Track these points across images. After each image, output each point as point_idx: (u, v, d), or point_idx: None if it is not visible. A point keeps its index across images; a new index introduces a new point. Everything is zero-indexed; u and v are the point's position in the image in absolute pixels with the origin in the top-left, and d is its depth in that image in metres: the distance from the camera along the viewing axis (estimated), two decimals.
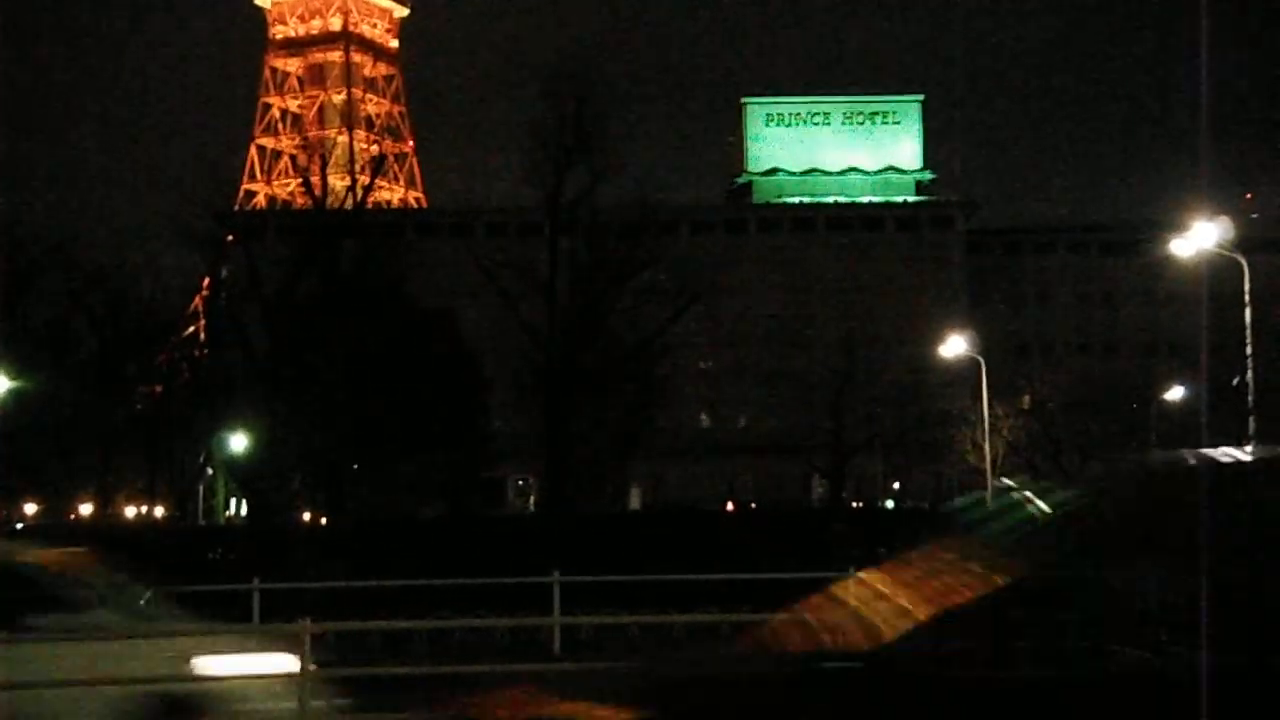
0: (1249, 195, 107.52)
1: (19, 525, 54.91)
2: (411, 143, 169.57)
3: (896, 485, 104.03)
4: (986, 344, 66.21)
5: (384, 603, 26.06)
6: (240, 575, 27.13)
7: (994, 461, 61.48)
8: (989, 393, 59.75)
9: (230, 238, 66.76)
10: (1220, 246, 39.58)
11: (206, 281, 70.11)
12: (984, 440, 61.28)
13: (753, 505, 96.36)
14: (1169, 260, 55.72)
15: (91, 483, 68.25)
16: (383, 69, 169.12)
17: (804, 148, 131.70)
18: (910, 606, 5.82)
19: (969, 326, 72.89)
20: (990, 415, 61.49)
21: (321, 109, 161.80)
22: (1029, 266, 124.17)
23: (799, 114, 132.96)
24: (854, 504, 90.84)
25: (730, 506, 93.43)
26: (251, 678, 12.80)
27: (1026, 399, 79.27)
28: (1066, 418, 75.04)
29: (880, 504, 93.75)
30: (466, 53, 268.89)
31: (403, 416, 53.91)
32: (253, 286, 56.82)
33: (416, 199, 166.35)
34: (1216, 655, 5.39)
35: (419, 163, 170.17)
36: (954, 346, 62.22)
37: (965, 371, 73.35)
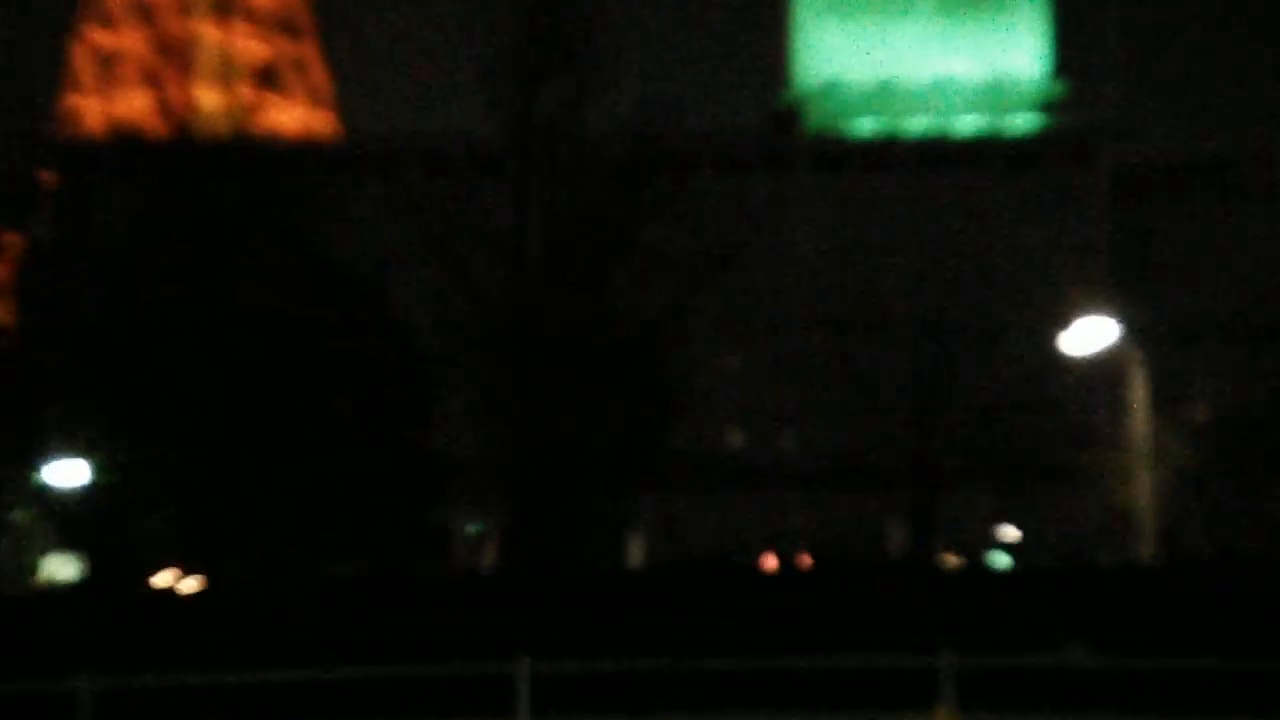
0: None
1: None
2: (316, 43, 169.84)
3: (1010, 532, 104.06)
4: (1143, 330, 66.01)
5: (278, 702, 25.86)
6: (69, 665, 26.89)
7: (1155, 499, 61.32)
8: (1147, 400, 59.57)
9: (50, 177, 66.65)
10: None
11: (15, 239, 70.02)
12: (1138, 468, 61.09)
13: (804, 558, 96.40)
14: None
15: None
16: None
17: (878, 50, 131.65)
18: None
19: (1116, 304, 72.63)
20: (1148, 432, 61.32)
21: None
22: (1204, 219, 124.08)
23: (870, 0, 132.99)
24: (949, 557, 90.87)
25: (771, 561, 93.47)
26: None
27: (1203, 409, 79.16)
28: (1266, 435, 74.67)
29: (986, 558, 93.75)
30: None
31: (307, 432, 53.88)
32: (84, 246, 56.75)
33: (325, 123, 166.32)
34: None
35: (327, 73, 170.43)
36: (1093, 333, 62.02)
37: (1110, 369, 72.95)
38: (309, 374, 55.03)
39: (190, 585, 52.41)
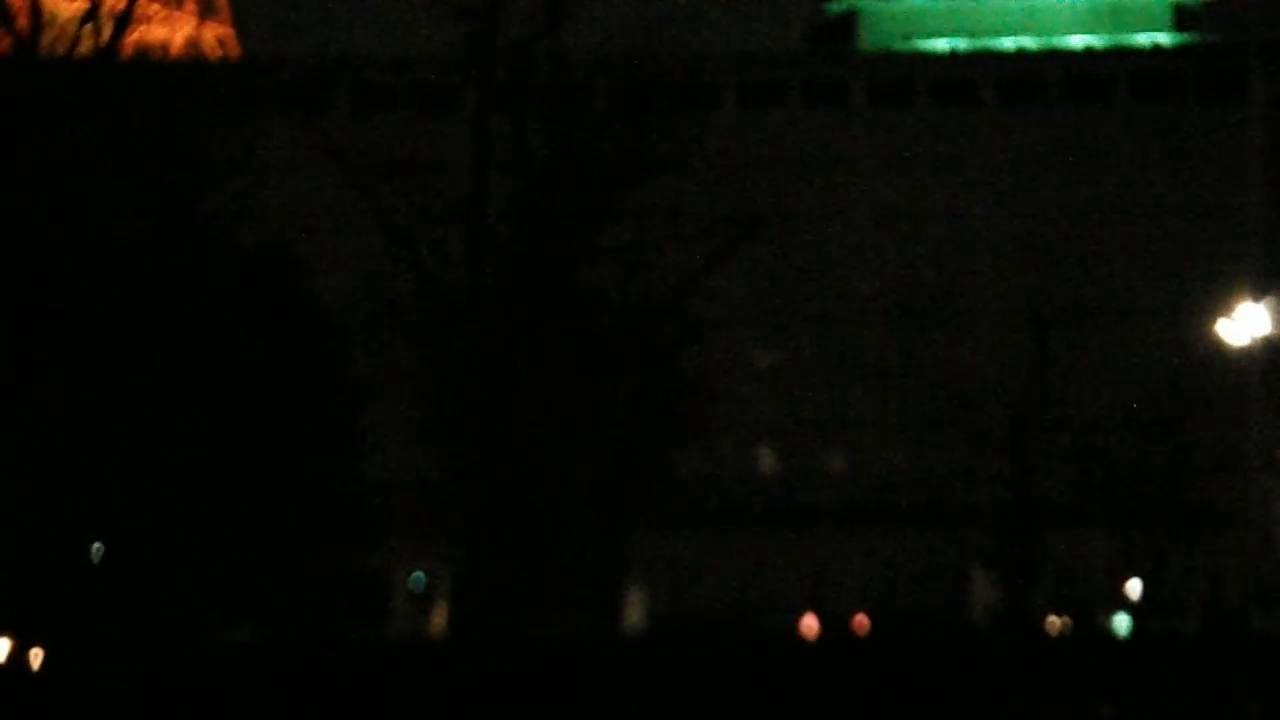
0: None
1: None
2: None
3: (1135, 587, 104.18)
4: None
5: None
6: None
7: None
8: None
9: None
10: None
11: None
12: None
13: (859, 620, 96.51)
14: None
15: None
16: None
17: None
18: None
19: (1276, 284, 72.51)
20: None
21: None
22: None
23: None
24: (1053, 620, 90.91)
25: (813, 623, 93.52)
26: None
27: None
28: None
29: (1103, 622, 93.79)
30: None
31: (192, 453, 53.94)
32: None
33: (221, 41, 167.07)
34: None
35: None
36: (1247, 323, 62.03)
37: (1268, 371, 72.88)
38: (195, 376, 54.99)
39: (34, 658, 52.35)
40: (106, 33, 62.01)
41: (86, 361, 53.49)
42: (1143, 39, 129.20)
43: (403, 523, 71.57)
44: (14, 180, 56.31)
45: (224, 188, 64.47)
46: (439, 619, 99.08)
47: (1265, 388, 79.21)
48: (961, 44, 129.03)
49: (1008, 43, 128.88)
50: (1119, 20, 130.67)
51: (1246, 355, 69.59)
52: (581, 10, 58.41)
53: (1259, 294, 64.42)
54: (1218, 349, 69.57)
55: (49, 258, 54.14)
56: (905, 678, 34.96)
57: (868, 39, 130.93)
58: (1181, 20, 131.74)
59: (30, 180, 56.13)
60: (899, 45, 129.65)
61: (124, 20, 63.07)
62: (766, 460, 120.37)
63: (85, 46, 62.14)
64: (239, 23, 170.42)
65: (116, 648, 50.65)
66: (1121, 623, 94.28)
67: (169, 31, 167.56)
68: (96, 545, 56.67)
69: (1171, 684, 33.62)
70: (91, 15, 62.70)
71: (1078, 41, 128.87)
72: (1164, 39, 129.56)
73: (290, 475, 59.88)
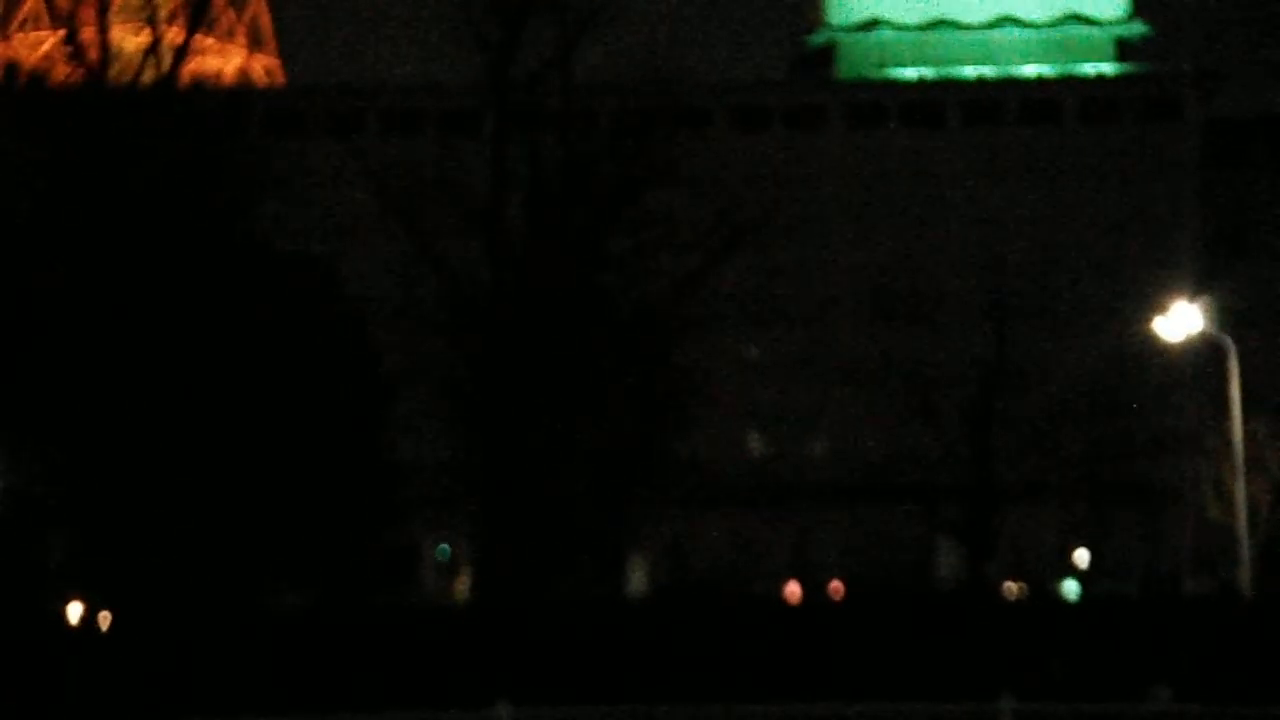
0: None
1: None
2: None
3: (1083, 556, 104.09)
4: (1238, 316, 66.02)
5: None
6: None
7: (1253, 515, 61.28)
8: (1243, 398, 59.54)
9: None
10: None
11: None
12: (1235, 479, 61.07)
13: (835, 586, 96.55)
14: None
15: None
16: None
17: None
18: None
19: (1207, 286, 72.59)
20: (1245, 437, 61.28)
21: None
22: None
23: None
24: (1010, 586, 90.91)
25: (795, 589, 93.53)
26: None
27: None
28: None
29: (1054, 588, 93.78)
30: None
31: (244, 439, 53.92)
32: None
33: (267, 70, 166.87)
34: None
35: (270, 10, 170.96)
36: (1181, 321, 62.03)
37: (1200, 363, 72.94)
38: (246, 369, 55.00)
39: (104, 619, 52.39)
40: (166, 64, 62.10)
41: (156, 356, 53.56)
42: (1089, 68, 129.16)
43: (430, 500, 71.47)
44: (86, 197, 56.35)
45: (269, 200, 64.52)
46: (461, 586, 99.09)
47: (1197, 379, 79.12)
48: (928, 72, 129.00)
49: (969, 71, 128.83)
50: (1068, 52, 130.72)
51: (1181, 350, 69.61)
52: (589, 42, 58.54)
53: (1192, 296, 64.55)
54: (1156, 345, 69.69)
55: (121, 263, 54.21)
56: (874, 633, 35.04)
57: (844, 68, 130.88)
58: (1123, 52, 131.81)
59: (100, 196, 56.20)
60: (872, 74, 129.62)
61: (182, 52, 63.09)
62: (754, 444, 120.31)
63: (147, 76, 62.19)
64: (284, 54, 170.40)
65: (178, 612, 50.73)
66: (1070, 588, 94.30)
67: (222, 62, 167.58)
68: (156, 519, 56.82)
69: (1113, 640, 33.70)
70: (153, 48, 62.75)
71: (1031, 71, 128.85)
72: (1107, 69, 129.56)
73: (330, 459, 59.85)
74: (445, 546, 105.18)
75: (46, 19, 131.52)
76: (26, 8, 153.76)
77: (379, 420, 67.26)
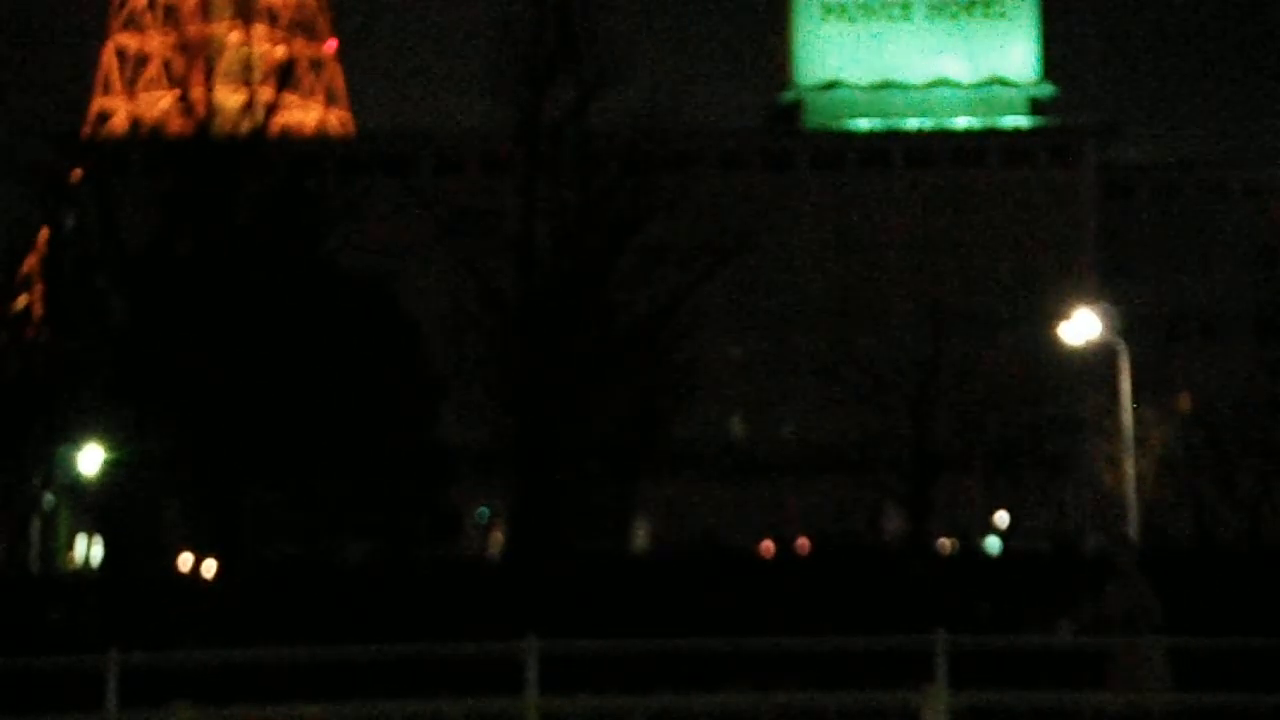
0: None
1: None
2: (332, 44, 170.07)
3: (1003, 518, 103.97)
4: (1128, 322, 66.01)
5: (294, 680, 25.86)
6: (93, 644, 26.91)
7: (1140, 485, 61.28)
8: (1132, 390, 59.57)
9: (78, 173, 66.67)
10: None
11: (45, 235, 70.00)
12: (1125, 456, 61.10)
13: (801, 543, 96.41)
14: None
15: None
16: None
17: (875, 52, 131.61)
18: None
19: (1103, 298, 72.59)
20: (1134, 421, 61.30)
21: None
22: (1187, 216, 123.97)
23: (868, 4, 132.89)
24: (943, 542, 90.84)
25: (769, 546, 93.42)
26: None
27: (1185, 399, 79.21)
28: (1241, 424, 74.91)
29: (980, 544, 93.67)
30: None
31: (320, 422, 53.88)
32: (109, 241, 56.72)
33: (340, 121, 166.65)
34: None
35: (343, 73, 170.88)
36: (1082, 326, 62.02)
37: (1098, 361, 72.99)
38: (326, 368, 55.01)
39: (209, 568, 52.45)
40: (260, 117, 62.11)
41: (256, 353, 53.54)
42: (1008, 121, 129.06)
43: (472, 472, 71.44)
44: (191, 228, 56.35)
45: (341, 229, 64.47)
46: (496, 542, 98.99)
47: (1095, 374, 79.15)
48: (878, 124, 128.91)
49: (911, 123, 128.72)
50: (991, 107, 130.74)
51: (1082, 350, 69.55)
52: (601, 97, 58.21)
53: (1091, 305, 64.45)
54: (1062, 346, 69.62)
55: (228, 280, 54.20)
56: (837, 584, 35.04)
57: (810, 120, 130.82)
58: (1036, 108, 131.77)
59: (207, 227, 56.21)
60: (833, 125, 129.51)
61: (271, 109, 63.12)
62: (736, 426, 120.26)
63: (243, 127, 62.18)
64: (354, 107, 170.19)
65: (266, 561, 50.81)
66: (993, 544, 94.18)
67: (304, 115, 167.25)
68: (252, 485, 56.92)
69: (1028, 587, 33.73)
70: (249, 106, 62.78)
71: (961, 123, 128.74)
72: (1023, 121, 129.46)
73: (391, 439, 59.83)
74: (484, 509, 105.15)
75: (165, 81, 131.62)
76: (149, 72, 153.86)
77: (431, 408, 67.40)
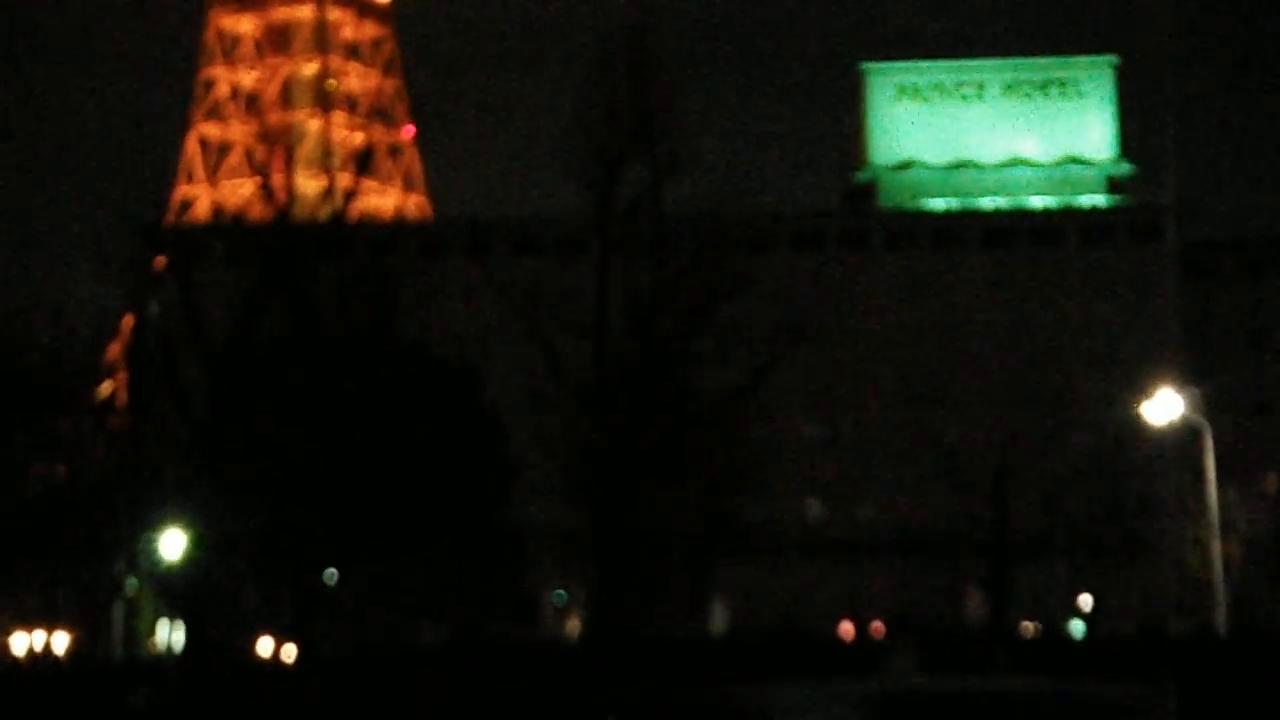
0: None
1: None
2: (410, 130, 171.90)
3: (1086, 601, 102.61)
4: (1212, 402, 65.13)
5: None
6: None
7: (1227, 567, 60.34)
8: (1217, 471, 58.80)
9: (161, 261, 67.46)
10: None
11: (129, 321, 70.87)
12: (1211, 537, 60.25)
13: (876, 626, 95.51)
14: None
15: None
16: (370, 30, 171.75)
17: (949, 131, 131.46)
18: None
19: (1186, 377, 71.77)
20: (1219, 503, 60.44)
21: (286, 84, 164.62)
22: (1271, 292, 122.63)
23: (941, 84, 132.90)
24: (1026, 626, 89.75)
25: (848, 628, 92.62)
26: None
27: (1272, 480, 78.11)
28: None
29: (1064, 627, 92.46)
30: (483, 9, 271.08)
31: (400, 506, 53.94)
32: (192, 328, 57.36)
33: (418, 206, 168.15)
34: None
35: (420, 158, 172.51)
36: (1165, 406, 61.39)
37: (1182, 441, 72.09)
38: (405, 453, 55.20)
39: (288, 653, 52.60)
40: (339, 203, 63.01)
41: (337, 443, 53.84)
42: (1085, 200, 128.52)
43: (550, 554, 71.34)
44: (272, 314, 56.87)
45: (419, 312, 64.87)
46: (573, 625, 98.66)
47: (1179, 455, 78.19)
48: (953, 204, 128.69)
49: (987, 203, 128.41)
50: (1067, 187, 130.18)
51: (1166, 431, 68.87)
52: (675, 181, 58.38)
53: (1174, 386, 63.89)
54: (1145, 427, 69.05)
55: (304, 370, 54.64)
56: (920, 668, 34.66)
57: (884, 200, 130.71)
58: (1113, 187, 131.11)
59: (284, 314, 56.73)
60: (907, 204, 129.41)
61: (350, 195, 64.06)
62: (814, 508, 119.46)
63: (323, 213, 62.99)
64: (432, 192, 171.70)
65: (347, 646, 50.89)
66: (1077, 627, 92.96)
67: (381, 200, 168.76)
68: (331, 571, 57.06)
69: (1114, 670, 33.31)
70: (329, 192, 63.64)
71: (1038, 202, 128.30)
72: (1101, 200, 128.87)
73: (471, 521, 59.85)
74: (561, 592, 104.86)
75: (246, 168, 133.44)
76: (231, 160, 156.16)
77: (508, 493, 67.34)
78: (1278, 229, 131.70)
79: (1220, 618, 53.51)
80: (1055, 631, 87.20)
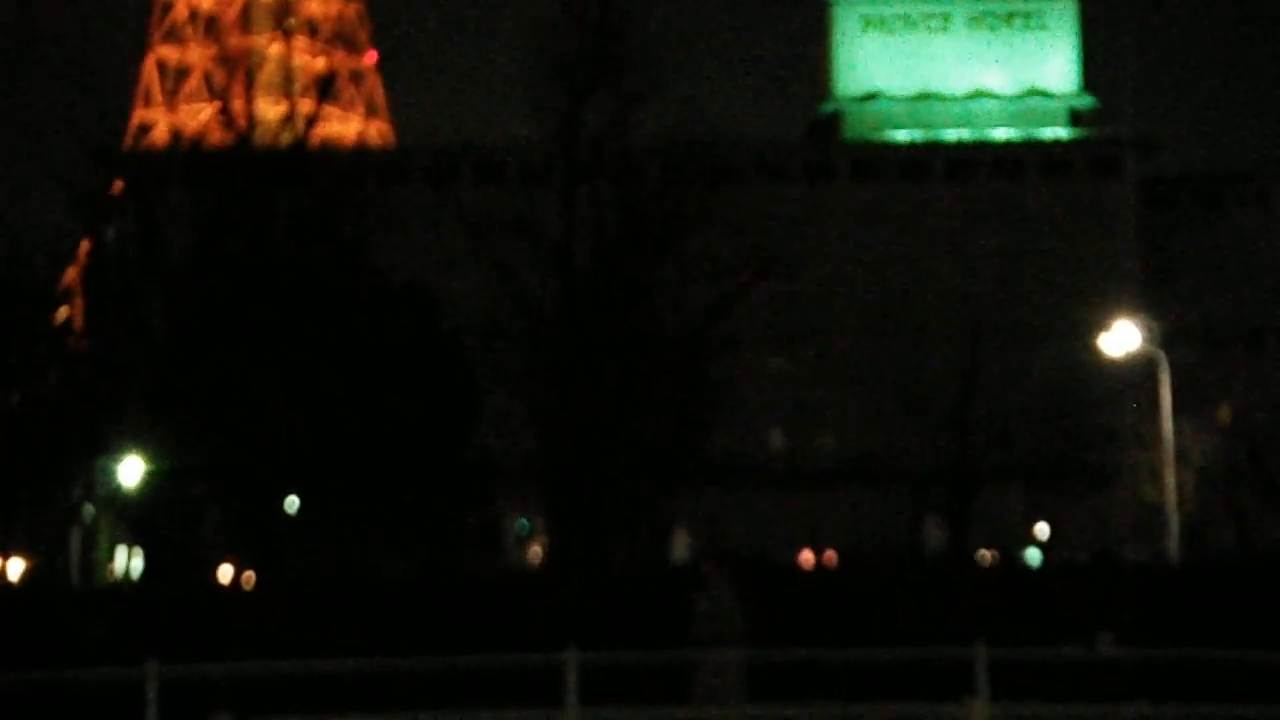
0: None
1: None
2: (373, 56, 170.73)
3: (1043, 529, 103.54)
4: (1168, 334, 65.69)
5: (333, 692, 25.84)
6: (132, 657, 26.96)
7: (1181, 497, 60.87)
8: (1173, 402, 59.19)
9: (118, 186, 66.84)
10: None
11: (86, 246, 70.24)
12: (1165, 468, 60.71)
13: (828, 555, 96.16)
14: None
15: None
16: None
17: (914, 63, 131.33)
18: None
19: (1144, 309, 72.26)
20: (1175, 433, 60.90)
21: (246, 7, 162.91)
22: (1229, 227, 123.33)
23: (907, 16, 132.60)
24: (984, 554, 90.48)
25: (808, 557, 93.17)
26: None
27: (1226, 411, 78.69)
28: None
29: (1020, 554, 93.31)
30: None
31: (360, 433, 53.87)
32: (150, 253, 56.95)
33: (380, 133, 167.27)
34: None
35: (383, 84, 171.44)
36: (1123, 338, 61.67)
37: (1139, 372, 72.45)
38: (365, 380, 55.01)
39: (248, 580, 52.53)
40: (300, 129, 62.26)
41: (297, 365, 53.60)
42: (1047, 132, 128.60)
43: (512, 484, 71.38)
44: (233, 238, 56.49)
45: (380, 240, 64.42)
46: (535, 554, 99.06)
47: (1135, 386, 78.77)
48: (917, 135, 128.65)
49: (951, 135, 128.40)
50: (1030, 119, 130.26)
51: (1122, 362, 69.20)
52: (640, 110, 58.01)
53: (1131, 317, 64.12)
54: (1102, 358, 69.32)
55: (268, 291, 54.25)
56: (876, 595, 34.89)
57: (849, 131, 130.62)
58: (1075, 118, 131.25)
59: (248, 238, 56.34)
60: (872, 136, 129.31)
61: (311, 121, 63.28)
62: (776, 437, 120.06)
63: (284, 139, 62.33)
64: (394, 119, 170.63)
65: (306, 574, 50.84)
66: (1033, 555, 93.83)
67: (344, 127, 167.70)
68: (292, 499, 56.91)
69: (1068, 597, 33.56)
70: (290, 118, 62.95)
71: (1001, 134, 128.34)
72: (1063, 132, 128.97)
73: (432, 449, 59.76)
74: (524, 522, 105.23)
75: (205, 93, 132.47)
76: (189, 84, 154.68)
77: (470, 421, 67.23)
78: (1238, 163, 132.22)
79: (1174, 546, 54.00)
80: (1011, 559, 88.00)
